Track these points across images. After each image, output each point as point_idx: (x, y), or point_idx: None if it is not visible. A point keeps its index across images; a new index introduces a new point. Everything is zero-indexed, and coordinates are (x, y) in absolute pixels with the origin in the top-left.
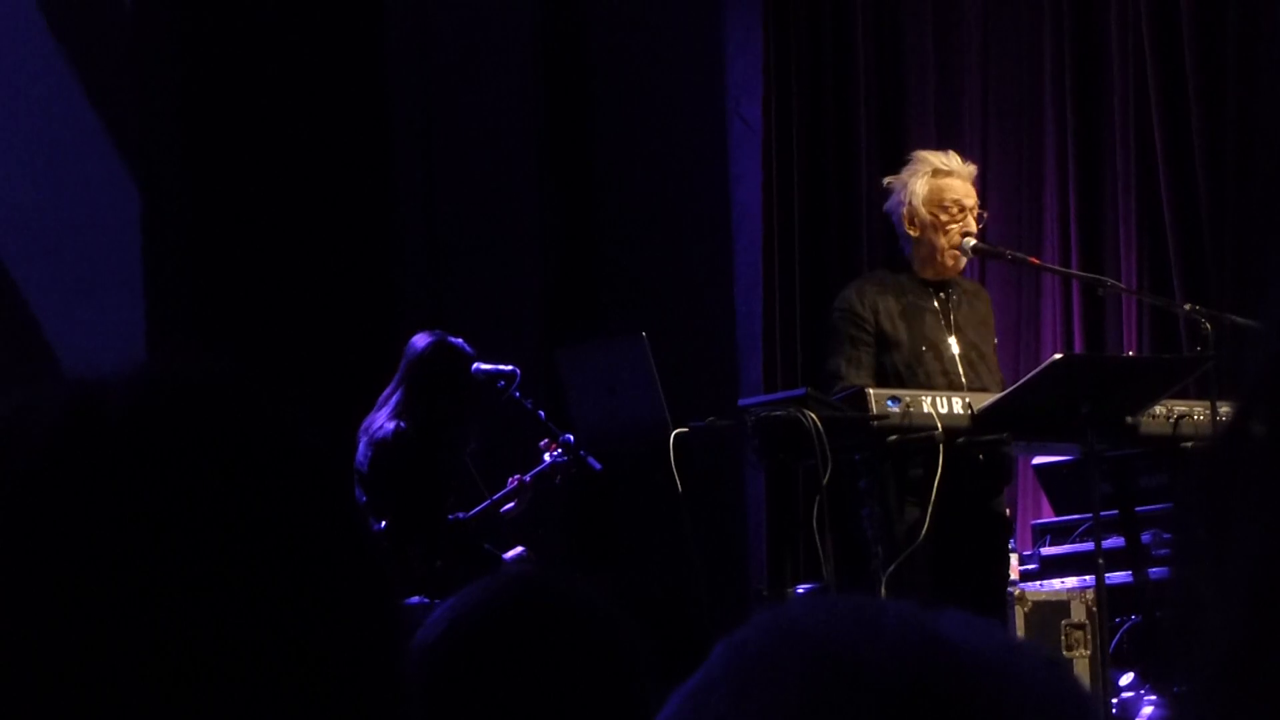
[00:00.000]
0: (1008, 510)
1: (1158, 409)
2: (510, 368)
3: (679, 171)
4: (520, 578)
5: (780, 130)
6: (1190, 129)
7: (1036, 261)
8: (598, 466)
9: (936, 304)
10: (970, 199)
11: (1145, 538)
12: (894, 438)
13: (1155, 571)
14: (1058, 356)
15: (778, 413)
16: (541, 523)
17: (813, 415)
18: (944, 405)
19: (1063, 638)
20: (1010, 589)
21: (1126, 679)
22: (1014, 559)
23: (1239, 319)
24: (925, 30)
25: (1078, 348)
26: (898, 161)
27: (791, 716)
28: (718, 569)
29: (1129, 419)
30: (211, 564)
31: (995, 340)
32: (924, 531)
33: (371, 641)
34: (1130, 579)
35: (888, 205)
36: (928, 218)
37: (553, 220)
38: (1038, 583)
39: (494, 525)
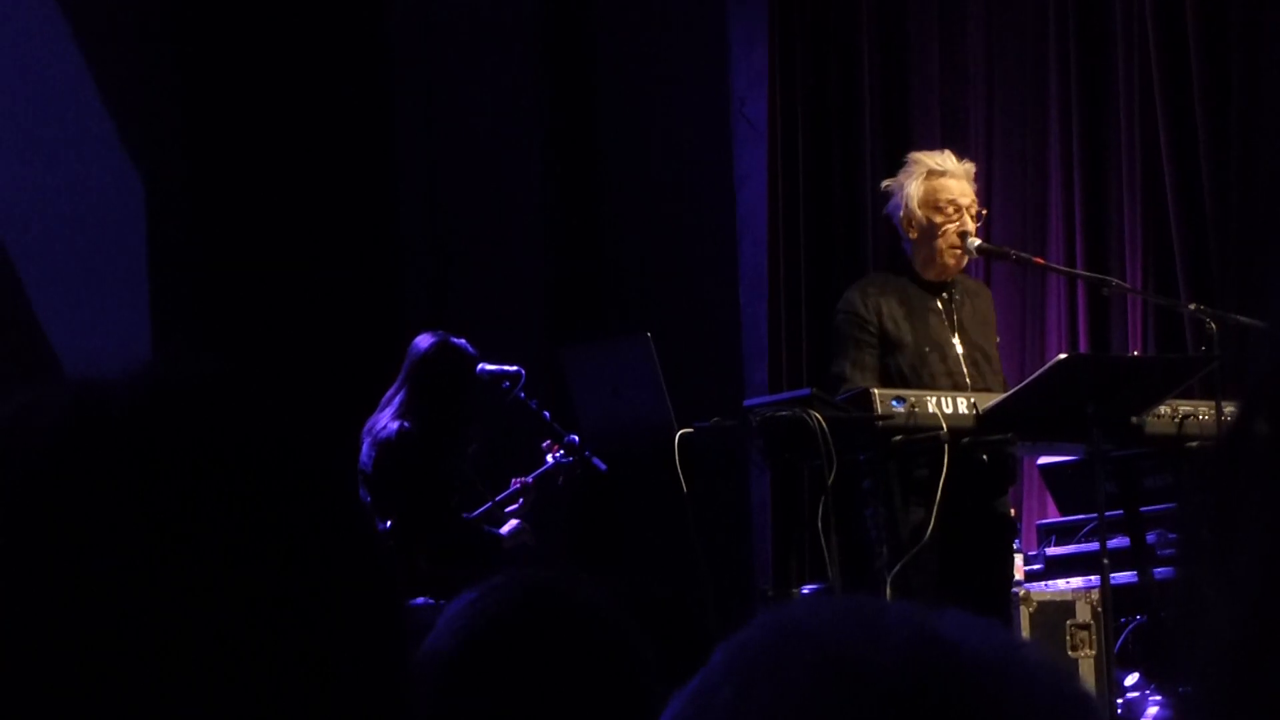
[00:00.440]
0: (1012, 510)
1: (1163, 409)
2: (515, 368)
3: (684, 172)
4: (528, 582)
5: (785, 131)
6: (1195, 129)
7: (1041, 261)
8: (602, 467)
9: (940, 304)
10: (967, 197)
11: (1150, 538)
12: (899, 438)
13: (1160, 571)
14: (1063, 356)
15: (783, 413)
16: (545, 524)
17: (818, 416)
18: (949, 405)
19: (1068, 638)
20: (1015, 589)
21: (1131, 679)
22: (1019, 559)
23: (1244, 319)
24: (930, 31)
25: (1083, 348)
26: (902, 162)
27: (793, 718)
28: (722, 569)
29: (1134, 419)
30: (214, 565)
31: (998, 339)
32: (929, 532)
33: (376, 642)
34: (1135, 579)
35: (887, 208)
36: (924, 220)
37: (557, 220)
38: (1043, 583)
39: (493, 524)
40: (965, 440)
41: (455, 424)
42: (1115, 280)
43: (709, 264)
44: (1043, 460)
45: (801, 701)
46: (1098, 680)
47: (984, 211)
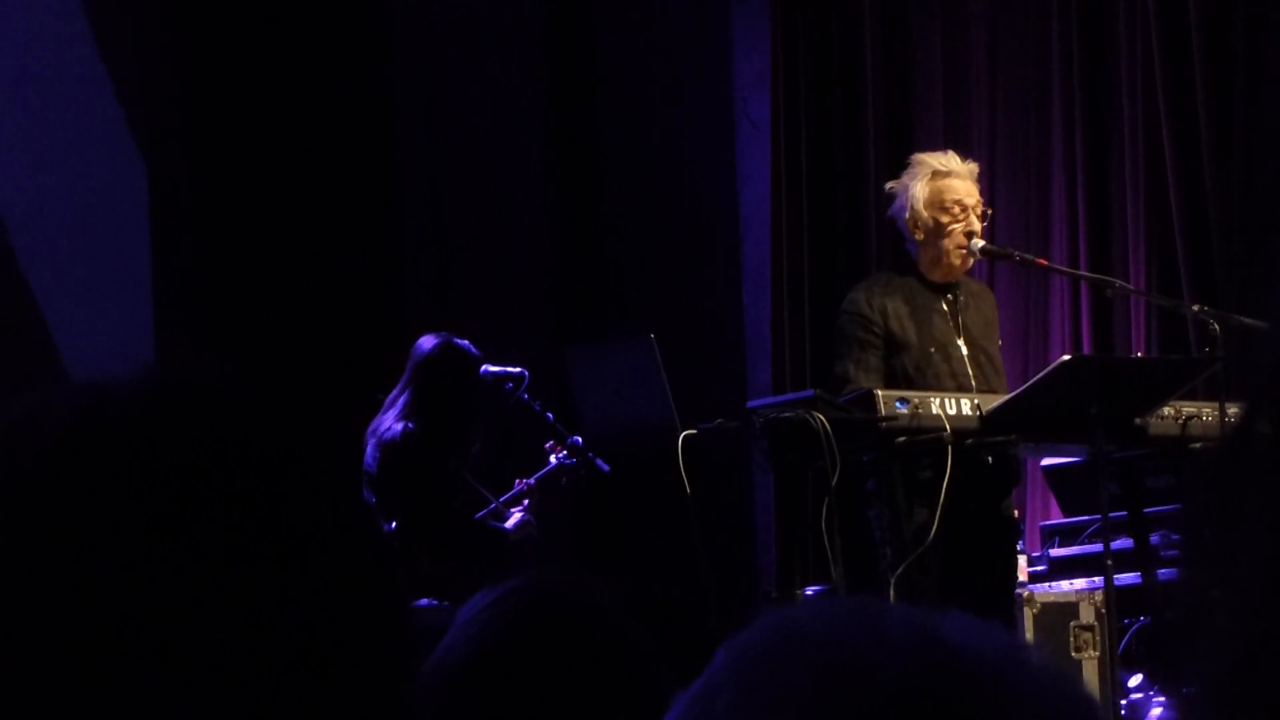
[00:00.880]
0: (1016, 512)
1: (1166, 410)
2: (518, 369)
3: (687, 173)
4: (540, 587)
5: (788, 132)
6: (1198, 130)
7: (1045, 263)
8: (605, 468)
9: (944, 305)
10: (972, 197)
11: (1154, 539)
12: (902, 439)
13: (1164, 573)
14: (1066, 358)
15: (786, 414)
16: (549, 525)
17: (821, 417)
18: (952, 407)
19: (1071, 639)
20: (1019, 590)
21: (1135, 680)
22: (1023, 560)
23: (1247, 320)
24: (933, 31)
25: (1086, 349)
26: (905, 163)
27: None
28: (726, 571)
29: (1137, 420)
30: (215, 568)
31: (1000, 342)
32: (932, 533)
33: (379, 644)
34: (1139, 580)
35: (891, 210)
36: (930, 221)
37: (559, 220)
38: (1046, 584)
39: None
40: (969, 441)
41: (459, 425)
42: (1118, 281)
43: (712, 264)
44: (1046, 461)
45: (803, 704)
46: (1101, 682)
47: (989, 211)
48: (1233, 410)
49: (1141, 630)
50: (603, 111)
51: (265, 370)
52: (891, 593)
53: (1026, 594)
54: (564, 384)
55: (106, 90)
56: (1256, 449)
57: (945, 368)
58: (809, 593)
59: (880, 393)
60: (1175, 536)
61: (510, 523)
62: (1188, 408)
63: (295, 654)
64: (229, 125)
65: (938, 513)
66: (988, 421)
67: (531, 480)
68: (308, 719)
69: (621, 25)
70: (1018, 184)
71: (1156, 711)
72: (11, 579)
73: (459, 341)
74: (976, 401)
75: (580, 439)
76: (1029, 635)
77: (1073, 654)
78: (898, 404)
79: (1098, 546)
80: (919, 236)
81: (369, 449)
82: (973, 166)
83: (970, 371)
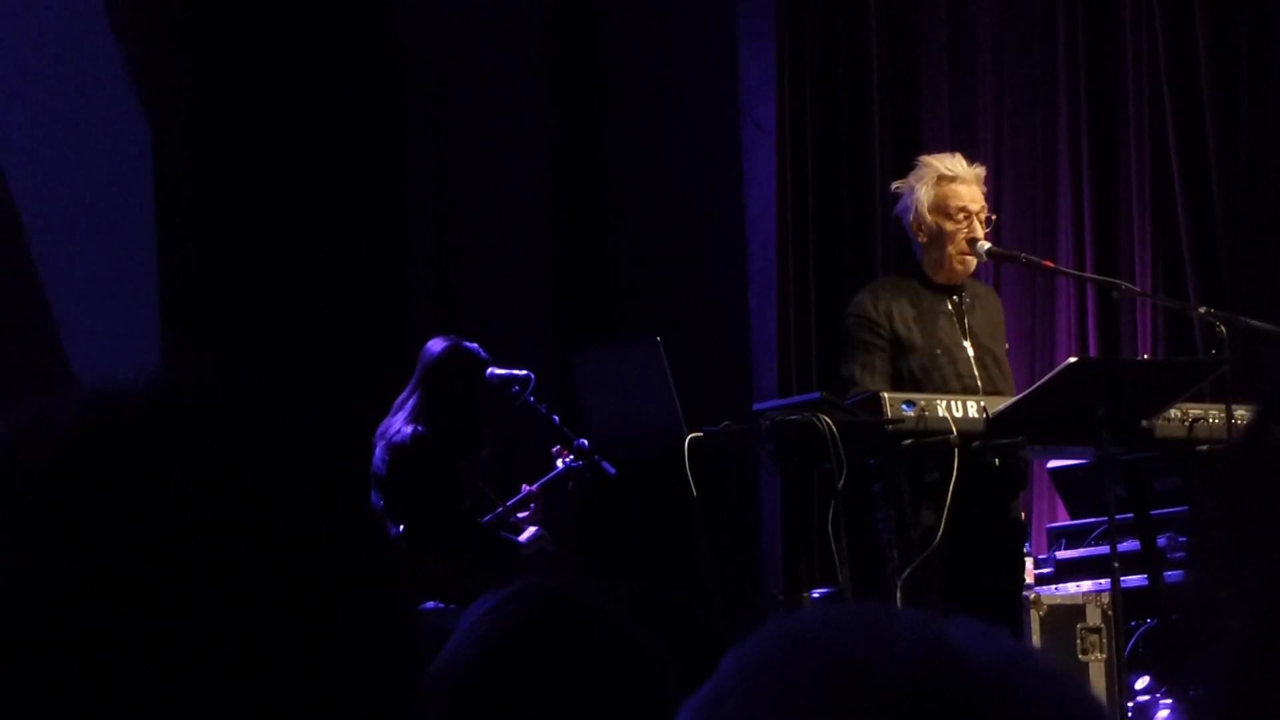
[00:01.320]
0: (1023, 514)
1: (1173, 412)
2: (524, 372)
3: (692, 175)
4: (546, 591)
5: (794, 134)
6: (1205, 131)
7: (1051, 265)
8: (612, 471)
9: (950, 306)
10: (977, 203)
11: (1161, 541)
12: (909, 442)
13: (1171, 575)
14: (1073, 360)
15: (792, 417)
16: (555, 528)
17: (828, 419)
18: (959, 409)
19: (1078, 641)
20: (1025, 593)
21: (1142, 683)
22: (1029, 563)
23: (1254, 322)
24: (938, 32)
25: (1092, 351)
26: (911, 164)
27: None
28: (732, 573)
29: (1144, 422)
30: (219, 573)
31: (1007, 345)
32: (939, 536)
33: (384, 649)
34: (1146, 582)
35: (897, 209)
36: (934, 225)
37: (566, 224)
38: (1053, 586)
39: (507, 530)
40: (975, 444)
41: (468, 428)
42: (1125, 283)
43: (718, 267)
44: (1053, 464)
45: (810, 710)
46: (1108, 684)
47: (994, 217)
48: (1240, 412)
49: (1148, 633)
50: (608, 113)
51: (270, 372)
52: (898, 595)
53: (1033, 596)
54: (570, 387)
55: (112, 90)
56: (1267, 452)
57: (951, 370)
58: (815, 595)
59: (886, 395)
60: (1182, 539)
61: (524, 536)
62: (1194, 410)
63: (298, 659)
64: (234, 126)
65: (944, 515)
66: (994, 424)
67: (537, 485)
68: (311, 718)
69: (626, 27)
70: (1024, 186)
71: (1164, 714)
72: (16, 584)
73: (468, 345)
74: (983, 404)
75: (586, 442)
76: (1035, 638)
77: (1079, 656)
78: (904, 406)
79: (1104, 549)
80: (922, 239)
81: (378, 451)
82: (979, 170)
83: (976, 373)
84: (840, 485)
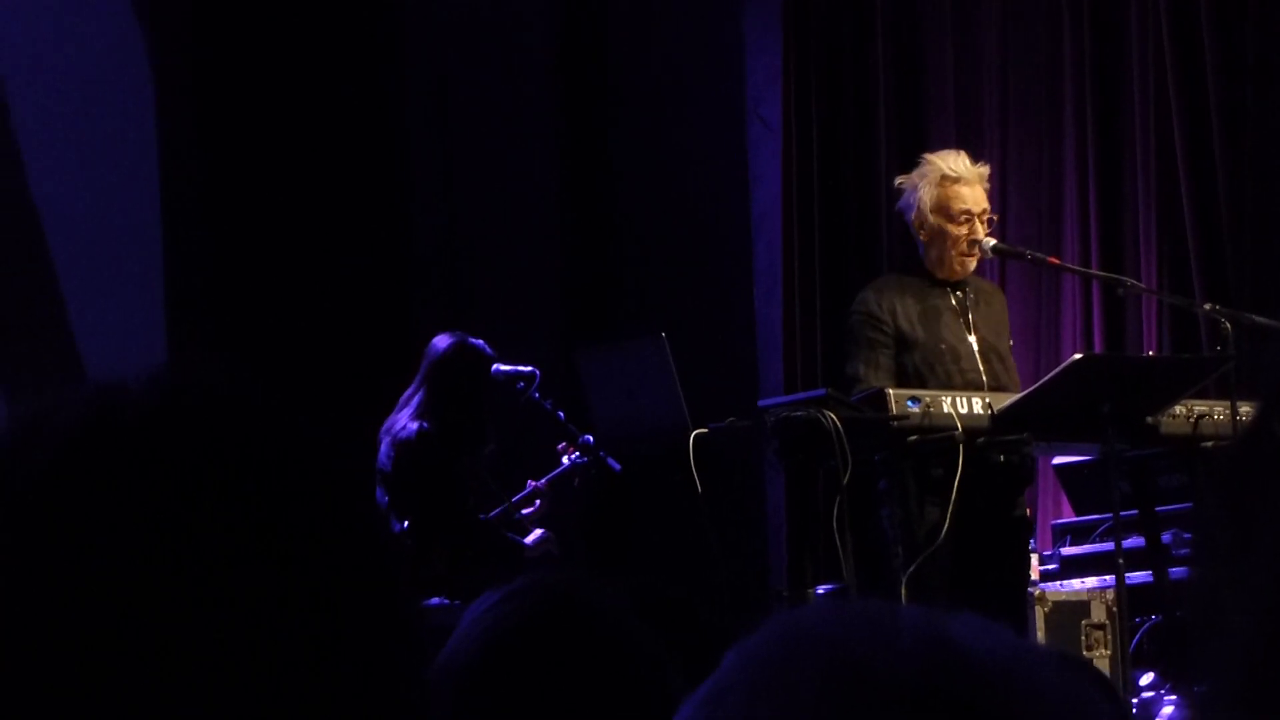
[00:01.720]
0: (1028, 510)
1: (1178, 409)
2: (530, 369)
3: (698, 172)
4: (548, 587)
5: (800, 131)
6: (1210, 129)
7: (1056, 261)
8: (617, 467)
9: (954, 302)
10: (979, 205)
11: (1165, 537)
12: (914, 438)
13: (1175, 571)
14: (1078, 356)
15: (798, 413)
16: (560, 525)
17: (833, 416)
18: (964, 405)
19: (1083, 638)
20: (1030, 589)
21: (1147, 679)
22: (1034, 559)
23: (1259, 319)
24: (944, 30)
25: (1098, 347)
26: (916, 162)
27: None
28: (737, 570)
29: (1149, 419)
30: (220, 572)
31: (1011, 341)
32: (944, 532)
33: (386, 648)
34: (1150, 579)
35: (899, 204)
36: (935, 226)
37: (572, 221)
38: (1058, 583)
39: (513, 528)
40: (980, 440)
41: (474, 424)
42: (1130, 280)
43: (723, 264)
44: (1058, 460)
45: (812, 706)
46: (1113, 680)
47: (994, 218)
48: (1244, 409)
49: (1153, 629)
50: (614, 110)
51: (276, 370)
52: (903, 592)
53: (1038, 593)
54: (575, 384)
55: (117, 91)
56: (1269, 449)
57: (956, 366)
58: (820, 592)
59: (892, 392)
60: (1187, 535)
61: (530, 539)
62: (1199, 406)
63: (298, 658)
64: (240, 125)
65: (949, 511)
66: (999, 420)
67: (543, 481)
68: (313, 718)
69: (632, 24)
70: (1029, 182)
71: (1168, 710)
72: (16, 582)
73: (473, 341)
74: (988, 400)
75: (592, 438)
76: (1040, 634)
77: (1084, 653)
78: (909, 403)
79: (1109, 545)
80: (924, 238)
81: (383, 447)
82: (983, 170)
83: (981, 368)
84: (845, 482)
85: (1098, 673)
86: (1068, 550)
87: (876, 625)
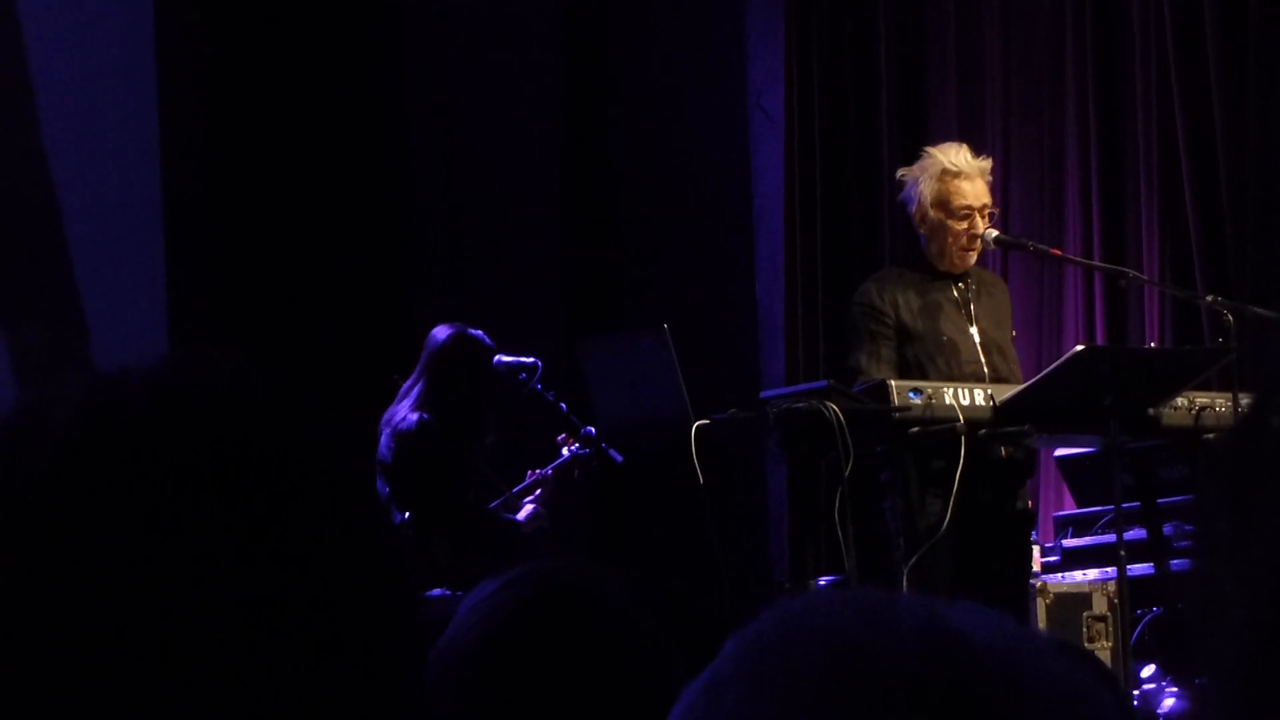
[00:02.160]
0: (1030, 502)
1: (1180, 401)
2: (531, 360)
3: (701, 164)
4: (548, 576)
5: (802, 123)
6: (1212, 121)
7: (1058, 253)
8: (619, 459)
9: (955, 294)
10: (979, 200)
11: (1167, 530)
12: (916, 430)
13: (1177, 563)
14: (1080, 348)
15: (799, 405)
16: (562, 516)
17: (835, 407)
18: (966, 397)
19: (1084, 630)
20: (1032, 581)
21: (1148, 671)
22: (1036, 551)
23: (1261, 310)
24: (947, 22)
25: (1100, 339)
26: (919, 154)
27: (806, 711)
28: (739, 562)
29: (1151, 411)
30: (219, 566)
31: (1014, 333)
32: (946, 524)
33: (386, 642)
34: (1152, 571)
35: (901, 196)
36: (935, 220)
37: (574, 213)
38: (1059, 575)
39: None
40: (982, 432)
41: (474, 415)
42: (1132, 272)
43: (725, 256)
44: (1060, 452)
45: (812, 694)
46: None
47: (996, 212)
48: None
49: (1154, 621)
50: (617, 104)
51: (278, 363)
52: (904, 583)
53: (1040, 584)
54: (577, 375)
55: (119, 90)
56: (1269, 441)
57: (957, 357)
58: (822, 583)
59: (894, 383)
60: (1188, 527)
61: (522, 514)
62: (1201, 398)
63: (299, 655)
64: (242, 123)
65: (951, 503)
66: (1001, 412)
67: (545, 471)
68: (312, 716)
69: (635, 18)
70: (1032, 174)
71: (1169, 702)
72: (14, 576)
73: (473, 332)
74: (990, 392)
75: (593, 430)
76: (1042, 626)
77: (1085, 644)
78: (911, 394)
79: (1111, 537)
80: (924, 231)
81: (383, 439)
82: (984, 164)
83: (982, 360)
84: (847, 473)
85: (1098, 662)
86: (1069, 542)
87: (876, 613)
